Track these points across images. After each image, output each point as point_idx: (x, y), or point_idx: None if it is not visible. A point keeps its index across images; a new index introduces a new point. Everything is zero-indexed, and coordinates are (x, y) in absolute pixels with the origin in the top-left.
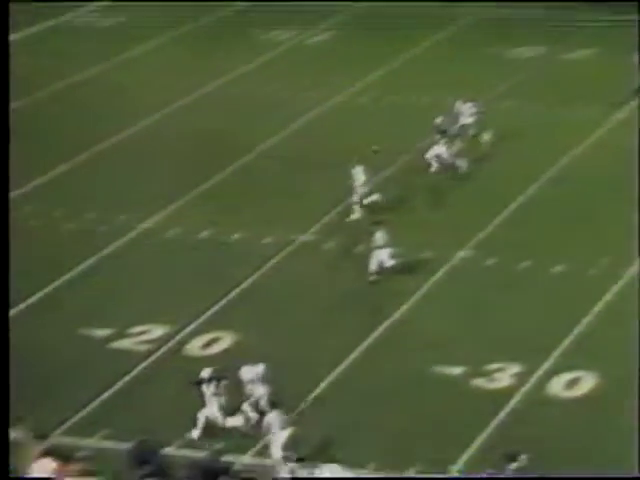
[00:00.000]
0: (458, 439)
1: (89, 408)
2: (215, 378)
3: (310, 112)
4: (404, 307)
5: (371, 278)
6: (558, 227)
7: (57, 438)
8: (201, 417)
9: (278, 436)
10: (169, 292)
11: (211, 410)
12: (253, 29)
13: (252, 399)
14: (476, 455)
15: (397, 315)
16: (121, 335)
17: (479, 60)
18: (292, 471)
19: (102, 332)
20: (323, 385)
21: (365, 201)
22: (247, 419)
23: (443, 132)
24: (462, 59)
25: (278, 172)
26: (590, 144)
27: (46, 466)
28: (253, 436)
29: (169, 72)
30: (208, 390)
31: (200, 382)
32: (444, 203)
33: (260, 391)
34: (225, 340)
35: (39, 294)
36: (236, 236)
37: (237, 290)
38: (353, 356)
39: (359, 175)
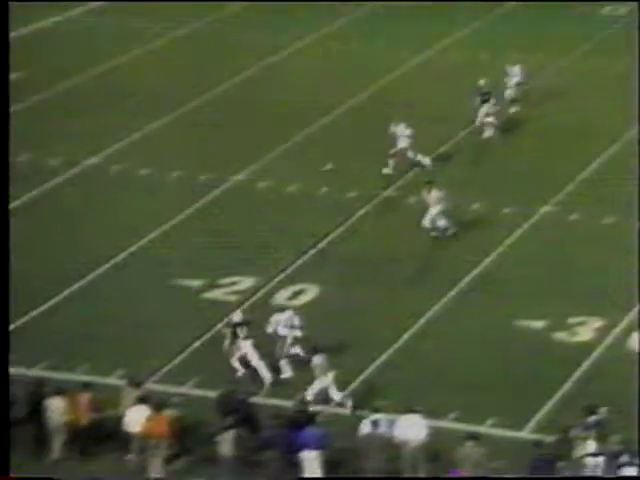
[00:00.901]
0: (538, 392)
1: (181, 357)
2: (246, 322)
3: (391, 72)
4: (487, 261)
5: (432, 233)
6: None
7: (150, 386)
8: (235, 361)
9: (322, 380)
10: (258, 244)
11: (245, 351)
12: None
13: (281, 344)
14: (556, 408)
15: (480, 269)
16: (212, 286)
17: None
18: (375, 422)
19: (194, 283)
20: (405, 336)
21: (422, 160)
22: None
23: (485, 94)
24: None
25: (363, 130)
26: None
27: (140, 413)
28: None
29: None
30: (241, 333)
31: (235, 325)
32: (525, 160)
33: (289, 336)
34: (310, 292)
35: (135, 246)
36: (323, 190)
37: (322, 243)
38: (435, 308)
39: (401, 132)
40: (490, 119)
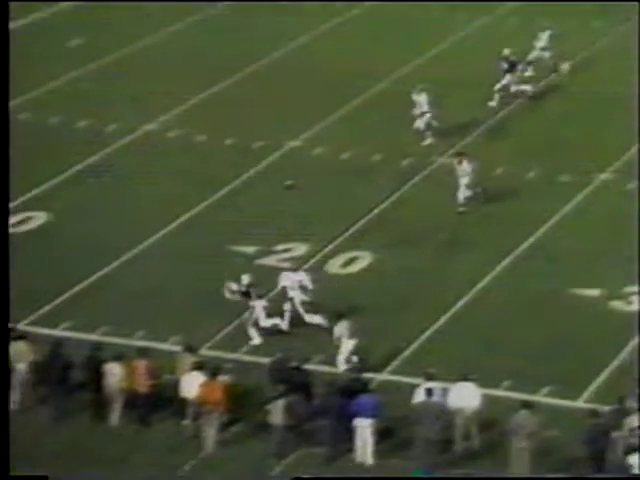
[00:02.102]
0: (594, 361)
1: (235, 323)
2: (255, 284)
3: (447, 39)
4: (543, 229)
5: (460, 209)
6: None
7: (205, 352)
8: (250, 323)
9: (345, 345)
10: (312, 212)
11: (257, 311)
12: None
13: (290, 304)
14: (611, 378)
15: (536, 237)
16: (266, 252)
17: None
18: (428, 391)
19: (249, 249)
20: (459, 304)
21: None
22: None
23: (512, 63)
24: None
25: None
26: None
27: (195, 379)
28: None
29: None
30: (254, 293)
31: (248, 285)
32: (574, 127)
33: (299, 297)
34: (364, 260)
35: (190, 212)
36: (377, 157)
37: (377, 210)
38: (490, 276)
39: (422, 102)
40: (519, 87)
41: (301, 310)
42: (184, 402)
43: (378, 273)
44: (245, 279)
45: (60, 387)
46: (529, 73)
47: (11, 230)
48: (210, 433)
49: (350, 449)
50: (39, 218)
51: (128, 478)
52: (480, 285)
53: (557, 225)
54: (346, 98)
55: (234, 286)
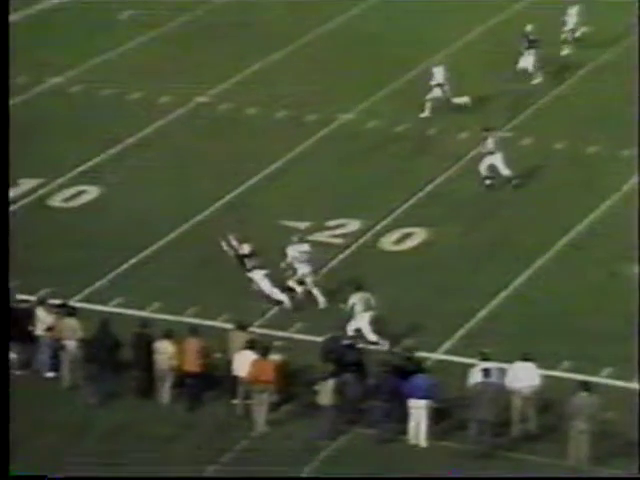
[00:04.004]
0: None
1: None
2: (255, 253)
3: (503, 10)
4: (604, 206)
5: (487, 182)
6: None
7: (255, 329)
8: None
9: (360, 318)
10: (365, 187)
11: (257, 280)
12: None
13: (296, 276)
14: None
15: (597, 214)
16: (319, 228)
17: None
18: (485, 371)
19: (300, 224)
20: (517, 282)
21: (455, 101)
22: (292, 294)
23: (532, 41)
24: None
25: (475, 70)
26: None
27: (247, 358)
28: (298, 310)
29: None
30: (250, 263)
31: (244, 256)
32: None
33: (305, 269)
34: (418, 236)
35: (243, 186)
36: (432, 131)
37: (432, 185)
38: (550, 254)
39: (439, 75)
40: (536, 65)
41: (308, 281)
42: (235, 381)
43: (433, 250)
44: (246, 248)
45: (109, 365)
46: (567, 51)
47: (62, 205)
48: (261, 413)
49: (403, 431)
50: (91, 192)
51: (178, 458)
52: (539, 263)
53: (619, 201)
54: (401, 70)
55: (233, 242)
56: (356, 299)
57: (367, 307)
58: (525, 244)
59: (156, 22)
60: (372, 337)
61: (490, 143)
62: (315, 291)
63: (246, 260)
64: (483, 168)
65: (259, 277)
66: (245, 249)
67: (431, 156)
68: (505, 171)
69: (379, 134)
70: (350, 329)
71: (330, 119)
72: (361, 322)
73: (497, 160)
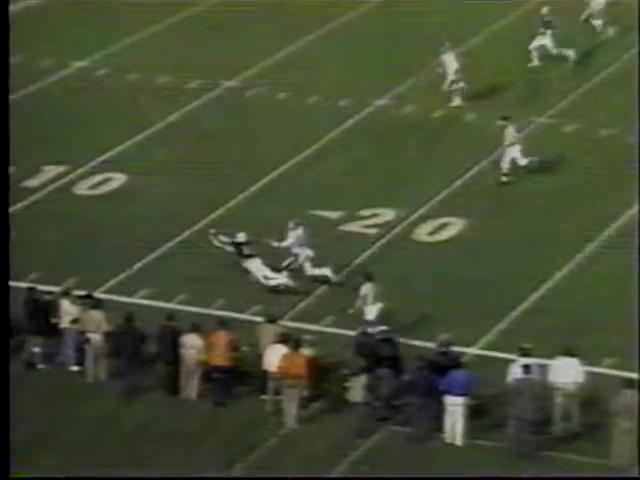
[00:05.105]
0: None
1: (316, 293)
2: (251, 241)
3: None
4: None
5: (503, 179)
6: None
7: (285, 323)
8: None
9: (370, 309)
10: (399, 175)
11: (254, 268)
12: None
13: (295, 262)
14: None
15: (635, 209)
16: (351, 218)
17: None
18: (526, 367)
19: (332, 214)
20: (558, 275)
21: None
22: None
23: (548, 23)
24: None
25: (509, 53)
26: None
27: (279, 351)
28: (300, 293)
29: None
30: (246, 251)
31: (240, 244)
32: None
33: (303, 253)
34: (454, 226)
35: (272, 173)
36: (470, 116)
37: (469, 174)
38: (592, 246)
39: (451, 62)
40: (561, 50)
41: (307, 265)
42: (264, 376)
43: (469, 241)
44: (241, 237)
45: (134, 360)
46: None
47: (88, 192)
48: (291, 409)
49: (438, 429)
50: (117, 180)
51: (204, 457)
52: (581, 255)
53: None
54: (437, 55)
55: (224, 238)
56: (367, 290)
57: (377, 298)
58: (567, 235)
59: (184, 3)
60: (380, 329)
61: (510, 132)
62: (322, 270)
63: (243, 247)
64: (504, 162)
65: (256, 265)
66: (240, 237)
67: (468, 143)
68: (522, 161)
69: (415, 120)
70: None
71: (364, 104)
72: (370, 314)
73: (515, 152)
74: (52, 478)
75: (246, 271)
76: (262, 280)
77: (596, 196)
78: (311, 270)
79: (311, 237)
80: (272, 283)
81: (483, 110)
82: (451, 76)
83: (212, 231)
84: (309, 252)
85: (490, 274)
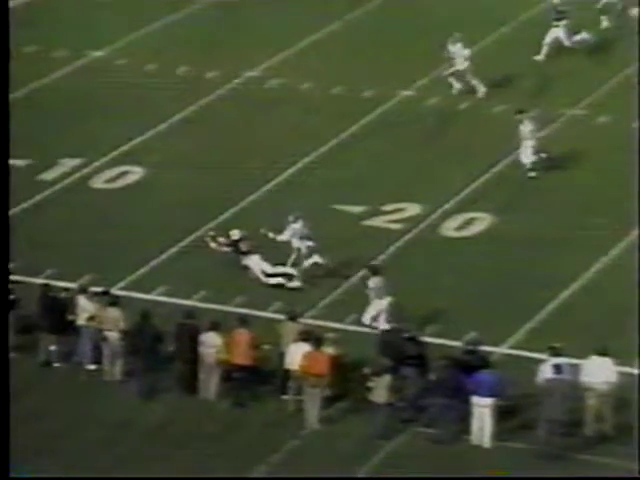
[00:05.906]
0: None
1: (338, 291)
2: (247, 237)
3: None
4: None
5: (530, 174)
6: None
7: (307, 320)
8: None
9: (376, 303)
10: (425, 168)
11: (252, 264)
12: None
13: (294, 255)
14: None
15: None
16: (375, 212)
17: None
18: (557, 367)
19: (356, 209)
20: (590, 272)
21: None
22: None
23: (560, 13)
24: None
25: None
26: None
27: (301, 349)
28: (301, 289)
29: None
30: (243, 247)
31: (236, 241)
32: None
33: (304, 246)
34: (482, 222)
35: (294, 167)
36: (498, 108)
37: (496, 168)
38: (624, 242)
39: (459, 51)
40: (577, 38)
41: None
42: (286, 375)
43: (498, 237)
44: (235, 234)
45: (151, 359)
46: (606, 24)
47: (104, 186)
48: (313, 409)
49: (465, 430)
50: (134, 173)
51: (224, 458)
52: (613, 252)
53: None
54: (464, 44)
55: (221, 239)
56: (374, 284)
57: (384, 293)
58: (600, 230)
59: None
60: (385, 327)
61: (527, 126)
62: (313, 258)
63: (240, 244)
64: (524, 156)
65: (255, 261)
66: (235, 235)
67: (496, 136)
68: (527, 159)
69: (441, 112)
70: (368, 315)
71: (388, 95)
72: (377, 308)
73: (527, 147)
74: (53, 478)
75: (245, 268)
76: (261, 276)
77: (628, 191)
78: (307, 262)
79: (333, 232)
80: (272, 282)
81: (511, 101)
82: (458, 66)
83: (210, 233)
84: (310, 244)
85: (519, 271)
